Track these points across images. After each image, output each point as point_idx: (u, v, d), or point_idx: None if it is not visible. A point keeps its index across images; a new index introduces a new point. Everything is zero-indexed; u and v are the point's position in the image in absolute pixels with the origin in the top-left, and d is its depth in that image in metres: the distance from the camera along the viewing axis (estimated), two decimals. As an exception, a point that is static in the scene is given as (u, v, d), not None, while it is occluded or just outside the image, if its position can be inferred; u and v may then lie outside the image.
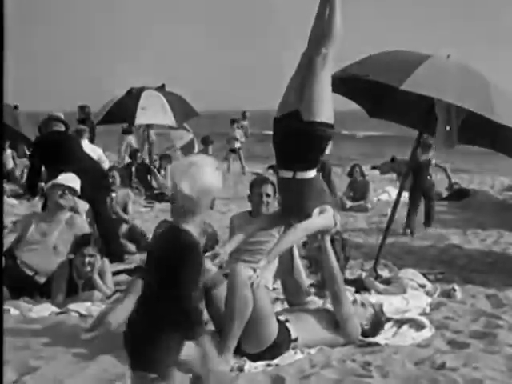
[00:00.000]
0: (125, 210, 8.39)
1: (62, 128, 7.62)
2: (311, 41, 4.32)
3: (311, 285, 4.90)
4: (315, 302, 4.73)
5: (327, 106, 4.13)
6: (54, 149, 7.20)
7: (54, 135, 7.54)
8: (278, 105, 4.32)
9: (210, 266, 4.17)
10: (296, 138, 4.10)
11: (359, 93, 6.59)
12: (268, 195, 5.62)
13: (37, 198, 10.08)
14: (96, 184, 7.16)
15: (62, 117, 8.07)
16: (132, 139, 15.38)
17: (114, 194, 8.33)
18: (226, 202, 12.43)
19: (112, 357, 4.00)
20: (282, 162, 4.27)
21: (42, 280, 5.69)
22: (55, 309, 5.24)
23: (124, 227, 8.03)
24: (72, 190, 6.06)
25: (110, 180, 8.30)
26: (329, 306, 4.43)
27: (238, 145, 18.16)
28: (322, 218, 4.15)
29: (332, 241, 4.36)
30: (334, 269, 4.24)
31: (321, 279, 4.79)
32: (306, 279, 5.73)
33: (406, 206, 11.59)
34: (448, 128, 6.24)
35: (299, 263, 5.65)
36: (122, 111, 12.38)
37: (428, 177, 9.80)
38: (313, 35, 4.33)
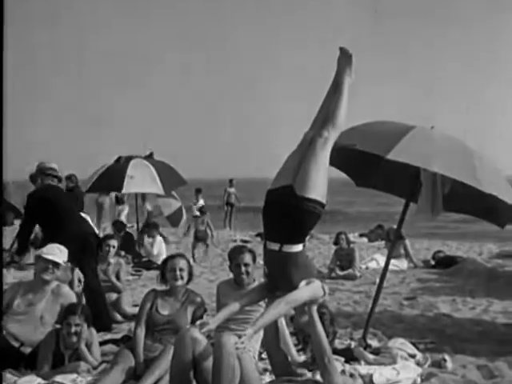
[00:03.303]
0: (116, 278, 8.29)
1: (55, 181, 7.34)
2: (316, 122, 4.48)
3: (301, 364, 4.84)
4: (303, 373, 4.68)
5: (321, 185, 4.20)
6: (50, 205, 6.99)
7: (50, 190, 7.24)
8: (273, 177, 4.41)
9: (199, 336, 4.13)
10: (286, 212, 4.14)
11: (346, 162, 6.67)
12: (247, 264, 5.62)
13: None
14: (87, 249, 7.10)
15: (56, 168, 7.55)
16: (123, 209, 15.38)
17: (111, 261, 8.31)
18: (213, 270, 12.39)
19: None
20: (269, 233, 4.29)
21: (27, 351, 5.59)
22: (41, 380, 5.14)
23: (113, 296, 7.96)
24: (55, 264, 5.97)
25: (107, 249, 8.26)
26: (318, 377, 4.38)
27: (198, 213, 18.14)
28: (309, 288, 4.14)
29: (321, 316, 4.33)
30: (323, 340, 4.20)
31: (310, 355, 4.75)
32: (294, 351, 5.69)
33: (394, 273, 11.66)
34: (433, 196, 6.33)
35: (286, 334, 5.62)
36: (111, 180, 12.44)
37: None
38: (318, 117, 4.51)
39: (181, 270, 5.46)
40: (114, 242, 8.45)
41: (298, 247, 4.19)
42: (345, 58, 4.56)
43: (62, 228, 6.76)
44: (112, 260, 8.29)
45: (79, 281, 7.80)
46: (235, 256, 5.68)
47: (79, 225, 7.16)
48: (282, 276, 4.18)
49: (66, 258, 6.09)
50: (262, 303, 5.27)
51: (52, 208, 7.01)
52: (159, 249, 12.84)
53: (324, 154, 4.30)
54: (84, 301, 7.02)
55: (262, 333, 4.91)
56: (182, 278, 5.47)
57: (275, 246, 4.19)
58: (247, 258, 5.64)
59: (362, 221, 30.13)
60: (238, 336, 3.96)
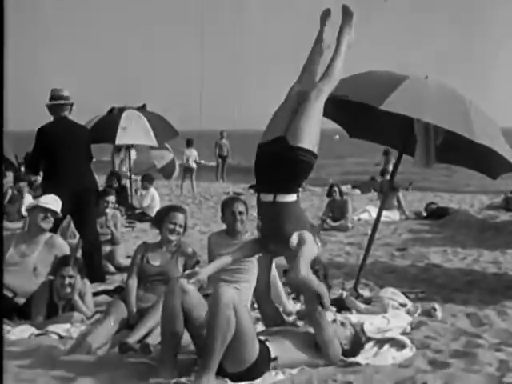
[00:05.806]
0: None
1: (68, 110, 7.04)
2: (306, 73, 4.49)
3: (296, 313, 4.88)
4: (295, 324, 4.74)
5: (314, 136, 4.25)
6: (58, 146, 6.86)
7: (62, 126, 6.99)
8: (263, 131, 4.40)
9: (188, 287, 4.14)
10: (280, 162, 4.16)
11: (339, 113, 6.61)
12: (241, 213, 5.68)
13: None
14: (87, 202, 7.06)
15: (67, 94, 7.08)
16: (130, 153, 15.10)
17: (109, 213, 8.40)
18: (206, 222, 12.43)
19: (92, 379, 3.97)
20: (263, 185, 4.31)
21: (21, 301, 5.64)
22: (35, 330, 5.19)
23: (107, 248, 7.99)
24: (54, 213, 6.02)
25: (104, 205, 8.31)
26: (309, 328, 4.42)
27: (193, 164, 18.47)
28: (311, 244, 4.15)
29: (315, 271, 4.35)
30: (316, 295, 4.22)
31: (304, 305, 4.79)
32: (286, 301, 5.74)
33: (386, 224, 11.71)
34: (427, 147, 6.30)
35: (279, 285, 5.67)
36: (103, 131, 12.30)
37: None
38: (309, 68, 4.52)
39: (180, 226, 5.49)
40: (112, 198, 8.54)
41: (292, 197, 4.21)
42: (346, 17, 4.61)
43: (65, 177, 6.74)
44: (109, 212, 8.36)
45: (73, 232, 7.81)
46: (229, 205, 5.74)
47: (82, 176, 7.07)
48: (274, 227, 4.20)
49: (59, 209, 6.11)
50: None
51: (60, 150, 6.89)
52: (153, 201, 12.84)
53: (317, 106, 4.32)
54: (80, 253, 7.04)
55: (254, 283, 4.95)
56: (178, 233, 5.51)
57: (269, 197, 4.20)
58: (241, 206, 5.72)
59: (355, 173, 30.20)
60: (235, 288, 4.00)
